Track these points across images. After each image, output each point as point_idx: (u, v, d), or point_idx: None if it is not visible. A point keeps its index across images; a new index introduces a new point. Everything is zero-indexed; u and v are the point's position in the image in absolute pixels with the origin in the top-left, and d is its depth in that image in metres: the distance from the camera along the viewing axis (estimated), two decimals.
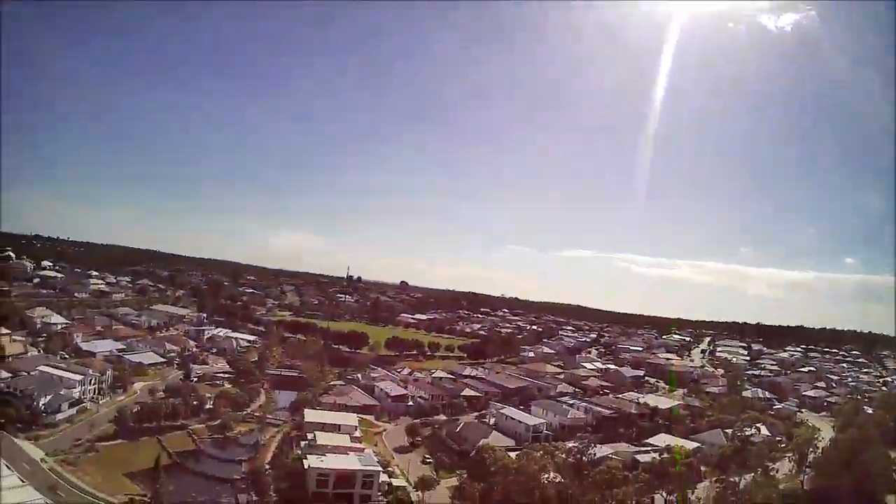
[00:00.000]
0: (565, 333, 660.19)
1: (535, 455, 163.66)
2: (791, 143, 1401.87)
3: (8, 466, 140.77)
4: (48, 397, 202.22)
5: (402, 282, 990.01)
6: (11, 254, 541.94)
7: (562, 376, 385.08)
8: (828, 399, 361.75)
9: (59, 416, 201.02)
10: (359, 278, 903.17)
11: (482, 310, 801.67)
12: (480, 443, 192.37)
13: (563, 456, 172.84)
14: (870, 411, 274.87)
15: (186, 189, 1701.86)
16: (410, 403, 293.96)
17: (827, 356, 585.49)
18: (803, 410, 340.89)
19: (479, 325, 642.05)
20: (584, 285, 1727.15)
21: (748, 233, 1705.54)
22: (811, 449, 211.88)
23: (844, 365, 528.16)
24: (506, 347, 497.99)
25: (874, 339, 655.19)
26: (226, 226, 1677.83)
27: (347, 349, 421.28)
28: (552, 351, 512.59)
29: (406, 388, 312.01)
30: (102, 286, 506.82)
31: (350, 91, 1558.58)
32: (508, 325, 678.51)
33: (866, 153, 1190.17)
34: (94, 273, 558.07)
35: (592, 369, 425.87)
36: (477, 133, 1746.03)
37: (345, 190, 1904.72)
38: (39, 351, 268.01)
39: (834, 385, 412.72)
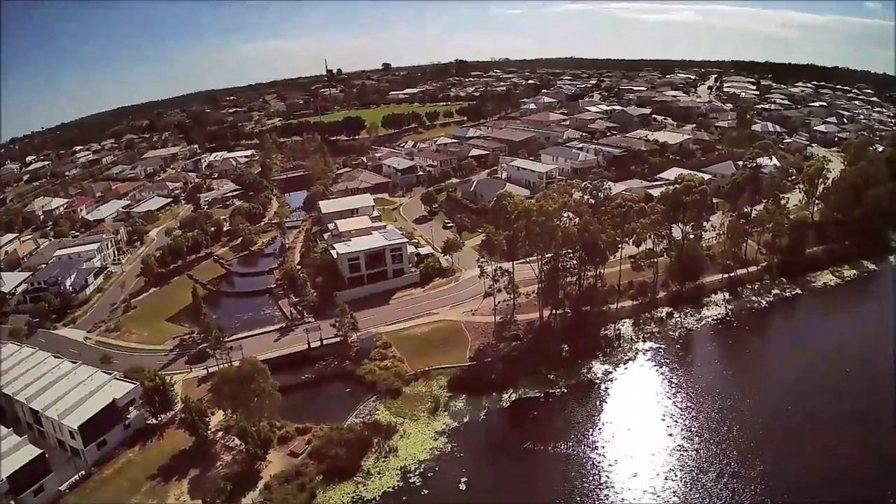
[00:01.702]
0: (563, 83, 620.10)
1: (553, 195, 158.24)
2: None
3: (55, 356, 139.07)
4: (72, 277, 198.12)
5: (384, 64, 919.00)
6: None
7: (567, 122, 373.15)
8: (839, 135, 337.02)
9: (89, 290, 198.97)
10: (339, 71, 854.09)
11: (473, 74, 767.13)
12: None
13: (579, 193, 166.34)
14: (881, 149, 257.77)
15: (139, 28, 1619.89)
16: (420, 173, 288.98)
17: (839, 93, 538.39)
18: (814, 145, 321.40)
19: (472, 89, 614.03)
20: (579, 38, 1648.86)
21: None
22: (821, 180, 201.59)
23: (857, 103, 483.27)
24: (505, 103, 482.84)
25: (889, 80, 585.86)
26: (191, 53, 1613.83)
27: (346, 137, 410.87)
28: (553, 100, 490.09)
29: (413, 160, 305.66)
30: (90, 156, 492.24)
31: None
32: (503, 83, 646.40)
33: None
34: (78, 148, 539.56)
35: (597, 112, 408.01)
36: None
37: None
38: (50, 240, 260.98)
39: (846, 121, 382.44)
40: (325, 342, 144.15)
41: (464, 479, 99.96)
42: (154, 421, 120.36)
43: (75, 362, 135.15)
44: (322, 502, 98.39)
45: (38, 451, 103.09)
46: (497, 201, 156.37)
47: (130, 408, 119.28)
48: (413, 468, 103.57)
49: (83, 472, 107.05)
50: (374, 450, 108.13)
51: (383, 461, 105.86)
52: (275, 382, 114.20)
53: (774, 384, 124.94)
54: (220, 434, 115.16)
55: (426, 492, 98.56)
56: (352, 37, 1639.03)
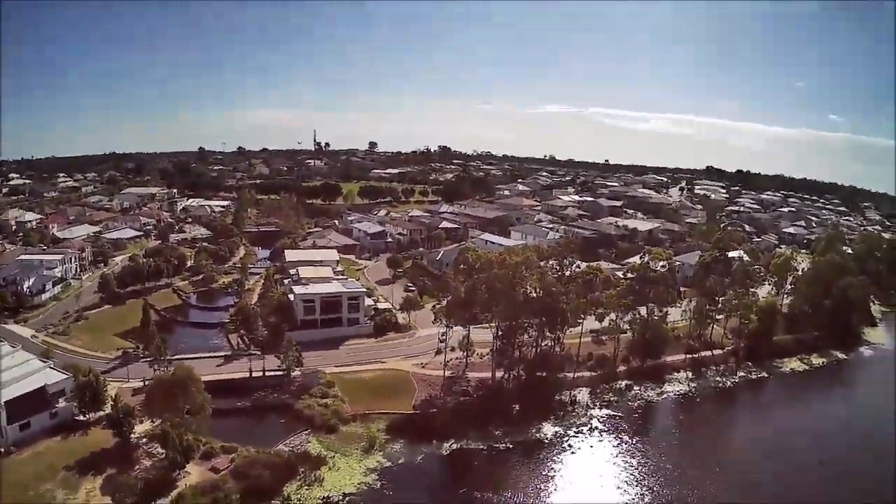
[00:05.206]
0: (540, 175, 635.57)
1: (517, 249, 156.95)
2: None
3: None
4: (31, 280, 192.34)
5: (370, 143, 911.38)
6: None
7: (539, 208, 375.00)
8: (808, 237, 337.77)
9: (45, 296, 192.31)
10: (327, 144, 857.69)
11: (455, 161, 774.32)
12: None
13: (544, 263, 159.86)
14: (850, 251, 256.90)
15: (141, 86, 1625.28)
16: (390, 240, 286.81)
17: (807, 202, 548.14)
18: (783, 246, 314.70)
19: (451, 175, 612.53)
20: (558, 139, 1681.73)
21: (729, 87, 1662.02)
22: (790, 273, 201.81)
23: (825, 211, 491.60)
24: (480, 187, 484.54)
25: (855, 191, 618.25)
26: (186, 115, 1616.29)
27: (321, 202, 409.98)
28: (528, 188, 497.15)
29: (384, 227, 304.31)
30: (71, 182, 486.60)
31: None
32: (482, 172, 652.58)
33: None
34: (62, 175, 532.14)
35: (570, 201, 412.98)
36: None
37: (305, 55, 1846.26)
38: (17, 246, 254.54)
39: (814, 224, 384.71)
40: (267, 373, 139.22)
41: None
42: (82, 417, 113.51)
43: (14, 346, 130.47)
44: None
45: None
46: (460, 254, 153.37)
47: (60, 399, 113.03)
48: (337, 500, 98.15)
49: (1, 450, 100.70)
50: (299, 478, 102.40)
51: (307, 489, 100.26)
52: (207, 395, 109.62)
53: (734, 454, 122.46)
54: (143, 441, 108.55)
55: None
56: (343, 119, 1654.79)
